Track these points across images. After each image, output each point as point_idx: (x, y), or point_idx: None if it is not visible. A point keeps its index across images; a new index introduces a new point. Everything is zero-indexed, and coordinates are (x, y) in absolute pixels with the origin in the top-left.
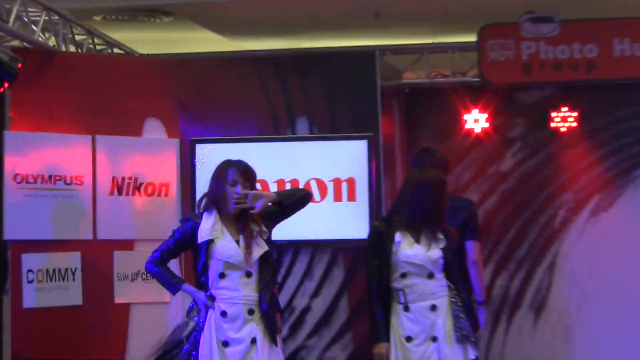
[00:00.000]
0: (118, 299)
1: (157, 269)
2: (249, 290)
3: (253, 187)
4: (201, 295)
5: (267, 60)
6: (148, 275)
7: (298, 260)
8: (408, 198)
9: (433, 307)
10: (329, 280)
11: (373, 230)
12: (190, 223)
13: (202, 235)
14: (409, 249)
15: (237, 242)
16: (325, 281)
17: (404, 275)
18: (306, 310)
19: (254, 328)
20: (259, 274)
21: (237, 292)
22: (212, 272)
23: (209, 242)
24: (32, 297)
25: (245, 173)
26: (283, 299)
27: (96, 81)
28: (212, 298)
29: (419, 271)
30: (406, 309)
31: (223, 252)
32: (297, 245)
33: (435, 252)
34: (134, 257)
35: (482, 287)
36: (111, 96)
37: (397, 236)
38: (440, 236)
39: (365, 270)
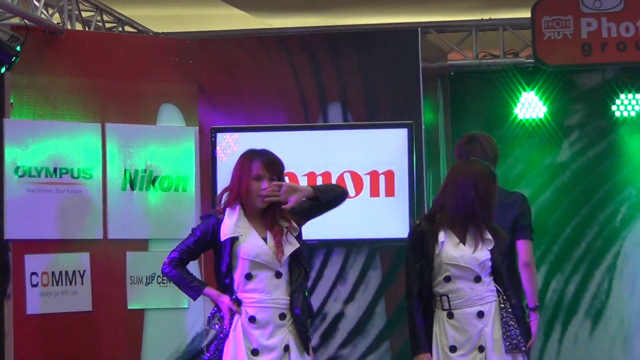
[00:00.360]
0: (131, 305)
1: (175, 271)
2: (280, 292)
3: (280, 180)
4: (225, 299)
5: (297, 40)
6: (165, 278)
7: (330, 262)
8: (453, 193)
9: (480, 314)
10: (365, 284)
11: (414, 229)
12: (212, 220)
13: (225, 232)
14: (454, 250)
15: (265, 239)
16: (360, 285)
17: (448, 279)
18: (339, 317)
19: (287, 334)
20: (290, 275)
21: (266, 294)
22: (238, 274)
23: (233, 241)
24: (37, 303)
25: (271, 165)
26: (314, 304)
27: (105, 63)
28: (239, 302)
29: (464, 274)
30: (450, 315)
31: (249, 251)
32: (329, 246)
33: (483, 253)
34: (148, 258)
35: (534, 291)
36: (122, 80)
37: (441, 236)
38: (488, 236)
39: (405, 274)
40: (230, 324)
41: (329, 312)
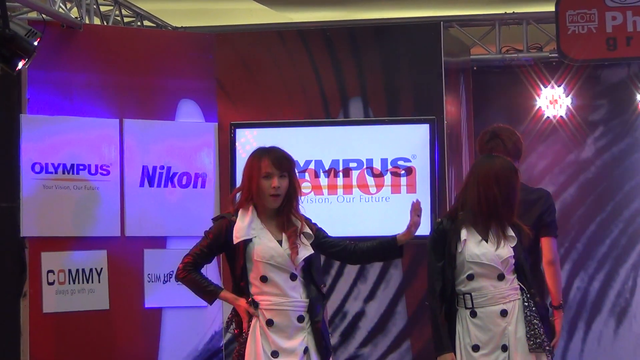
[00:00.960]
0: (149, 303)
1: (190, 276)
2: (297, 294)
3: (291, 176)
4: (242, 302)
5: (317, 34)
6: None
7: None
8: (474, 190)
9: (503, 313)
10: (385, 282)
11: (436, 227)
12: (224, 221)
13: (239, 234)
14: (476, 248)
15: (280, 242)
16: (381, 283)
17: (470, 277)
18: (360, 315)
19: (306, 337)
20: (304, 277)
21: (283, 297)
22: (253, 276)
23: (247, 243)
24: (53, 301)
25: (280, 162)
26: (333, 303)
27: (124, 58)
28: (256, 304)
29: (487, 272)
30: (473, 314)
31: (264, 253)
32: None
33: (506, 251)
34: (166, 256)
35: (558, 289)
36: (141, 75)
37: (463, 233)
38: (511, 232)
39: (427, 272)
40: (249, 327)
41: (349, 310)
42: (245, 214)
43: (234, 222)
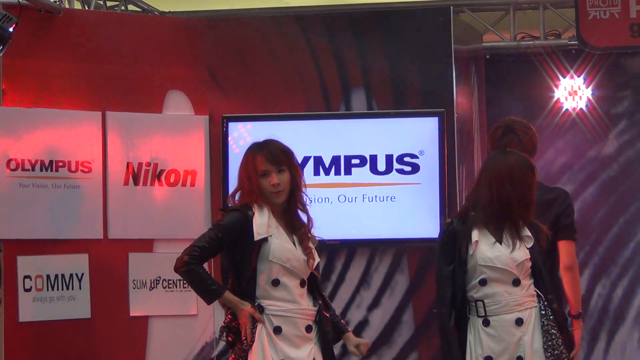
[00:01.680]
0: (134, 311)
1: (195, 270)
2: (305, 302)
3: (291, 169)
4: (248, 306)
5: (316, 19)
6: (171, 281)
7: (353, 264)
8: (487, 188)
9: (519, 321)
10: (391, 289)
11: (445, 228)
12: (239, 214)
13: (260, 231)
14: (489, 250)
15: (294, 243)
16: (385, 290)
17: (483, 283)
18: (363, 324)
19: (313, 347)
20: (309, 285)
21: (293, 304)
22: (264, 278)
23: (262, 242)
24: (30, 309)
25: (275, 157)
26: (335, 310)
27: (107, 45)
28: (262, 309)
29: (501, 277)
30: (486, 323)
31: (281, 254)
32: (351, 247)
33: (522, 253)
34: (152, 260)
35: (577, 297)
36: (125, 64)
37: (475, 234)
38: (528, 232)
39: (436, 277)
40: (253, 333)
41: (352, 319)
42: (262, 210)
43: (251, 218)
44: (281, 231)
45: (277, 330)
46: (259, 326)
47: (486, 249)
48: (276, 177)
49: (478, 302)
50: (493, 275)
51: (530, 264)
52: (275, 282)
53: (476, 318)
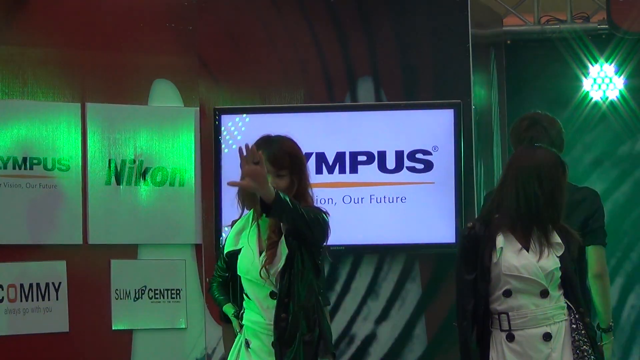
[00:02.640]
0: (117, 324)
1: (211, 289)
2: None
3: (295, 176)
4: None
5: (319, 2)
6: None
7: (359, 272)
8: (512, 188)
9: (547, 336)
10: (401, 299)
11: (466, 233)
12: (231, 226)
13: (227, 243)
14: (515, 258)
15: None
16: (395, 301)
17: (507, 294)
18: (370, 339)
19: None
20: (288, 295)
21: (260, 317)
22: (242, 290)
23: (236, 253)
24: (2, 322)
25: (278, 161)
26: (339, 325)
27: (86, 30)
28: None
29: (528, 288)
30: (510, 338)
31: (241, 266)
32: (358, 252)
33: (551, 262)
34: (137, 267)
35: (607, 308)
36: (106, 50)
37: (499, 240)
38: (557, 239)
39: (456, 287)
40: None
41: (358, 333)
42: (243, 219)
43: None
44: (254, 239)
45: (246, 343)
46: (239, 335)
47: (511, 256)
48: (277, 181)
49: (502, 315)
50: (519, 286)
51: (560, 273)
52: (246, 294)
53: (499, 332)
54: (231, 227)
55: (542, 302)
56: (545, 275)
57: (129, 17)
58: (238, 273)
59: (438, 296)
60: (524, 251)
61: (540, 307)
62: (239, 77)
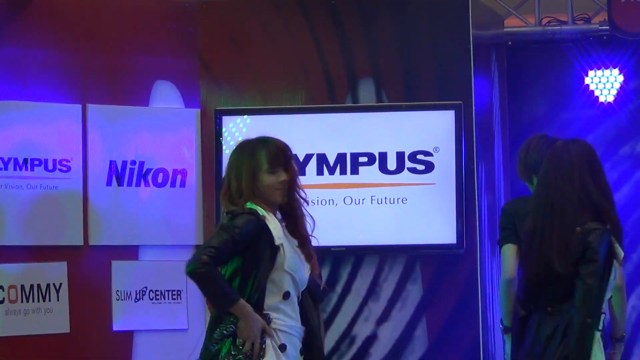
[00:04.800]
0: (117, 326)
1: (213, 272)
2: (299, 319)
3: (291, 167)
4: (260, 319)
5: (320, 2)
6: (158, 293)
7: (360, 273)
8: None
9: None
10: (402, 300)
11: (609, 238)
12: (253, 218)
13: (279, 235)
14: (618, 269)
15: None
16: (396, 302)
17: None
18: (370, 340)
19: None
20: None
21: (295, 320)
22: (273, 289)
23: (277, 248)
24: (3, 323)
25: (284, 155)
26: (339, 326)
27: (87, 31)
28: (269, 321)
29: None
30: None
31: (291, 264)
32: (358, 253)
33: None
34: (138, 269)
35: (625, 318)
36: (108, 52)
37: (619, 251)
38: None
39: (598, 293)
40: (263, 348)
41: (358, 334)
42: (267, 213)
43: (263, 221)
44: (290, 238)
45: (283, 347)
46: (268, 340)
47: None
48: (284, 174)
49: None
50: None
51: None
52: (287, 295)
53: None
54: (249, 217)
55: None
56: None
57: (130, 19)
58: (287, 269)
59: (439, 297)
60: None
61: None
62: (240, 78)
